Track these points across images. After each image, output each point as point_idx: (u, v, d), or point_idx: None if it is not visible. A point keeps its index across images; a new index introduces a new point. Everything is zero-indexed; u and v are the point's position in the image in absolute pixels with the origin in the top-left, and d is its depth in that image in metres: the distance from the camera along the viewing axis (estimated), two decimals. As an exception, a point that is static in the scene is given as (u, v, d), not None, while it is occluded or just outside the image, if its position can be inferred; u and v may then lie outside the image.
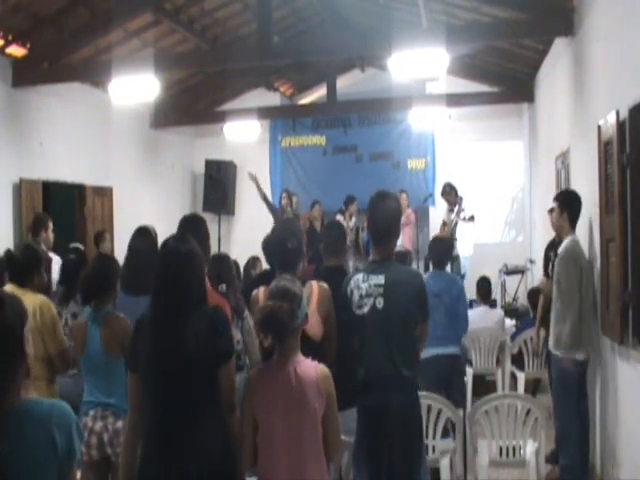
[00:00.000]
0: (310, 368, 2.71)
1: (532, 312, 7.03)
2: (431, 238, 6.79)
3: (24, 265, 4.09)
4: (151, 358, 2.67)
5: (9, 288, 3.84)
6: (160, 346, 2.66)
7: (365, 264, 3.58)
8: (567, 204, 4.87)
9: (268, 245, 4.59)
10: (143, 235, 4.42)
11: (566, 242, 4.81)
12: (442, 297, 5.14)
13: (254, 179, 9.69)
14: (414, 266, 9.02)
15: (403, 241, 9.31)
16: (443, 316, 5.11)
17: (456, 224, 9.19)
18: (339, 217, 10.53)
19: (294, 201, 9.89)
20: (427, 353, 5.02)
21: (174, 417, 2.64)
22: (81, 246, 6.95)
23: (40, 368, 3.81)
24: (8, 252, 4.31)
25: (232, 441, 2.71)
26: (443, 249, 5.46)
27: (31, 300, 3.75)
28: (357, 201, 10.06)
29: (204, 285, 2.83)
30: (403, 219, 9.07)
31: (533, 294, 7.11)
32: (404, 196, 9.82)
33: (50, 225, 6.68)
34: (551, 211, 5.44)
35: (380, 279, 3.32)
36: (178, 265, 2.73)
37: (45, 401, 1.96)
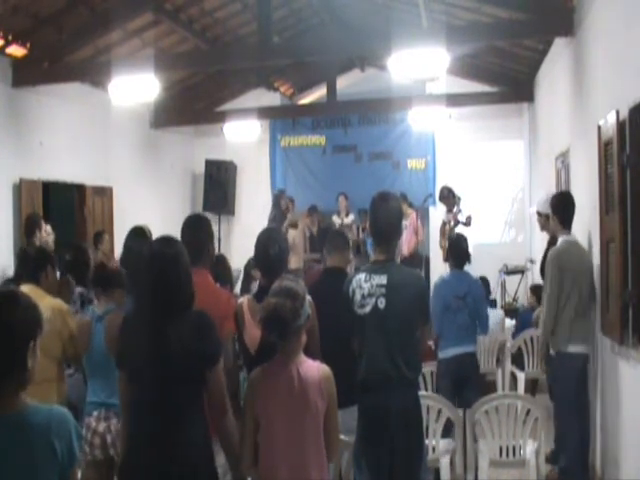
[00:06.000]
0: (312, 368, 2.71)
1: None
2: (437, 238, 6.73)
3: (36, 261, 4.08)
4: (135, 359, 2.67)
5: (26, 289, 3.56)
6: (144, 348, 2.65)
7: (366, 264, 3.57)
8: (553, 207, 5.01)
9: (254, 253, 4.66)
10: (138, 235, 4.42)
11: (557, 243, 4.83)
12: (466, 299, 5.13)
13: None
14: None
15: (401, 244, 9.32)
16: (467, 317, 5.12)
17: (456, 224, 9.18)
18: (334, 217, 10.59)
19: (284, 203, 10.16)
20: (449, 353, 5.06)
21: (158, 418, 2.63)
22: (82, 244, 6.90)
23: (54, 370, 3.80)
24: (22, 250, 4.30)
25: (211, 445, 2.71)
26: (464, 247, 5.45)
27: (49, 304, 3.71)
28: (320, 210, 10.72)
29: (190, 288, 2.75)
30: (406, 223, 9.10)
31: (535, 290, 7.09)
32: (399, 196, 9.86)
33: (43, 224, 6.64)
34: (539, 215, 5.65)
35: (382, 279, 3.30)
36: (163, 268, 2.69)
37: (43, 408, 1.94)
